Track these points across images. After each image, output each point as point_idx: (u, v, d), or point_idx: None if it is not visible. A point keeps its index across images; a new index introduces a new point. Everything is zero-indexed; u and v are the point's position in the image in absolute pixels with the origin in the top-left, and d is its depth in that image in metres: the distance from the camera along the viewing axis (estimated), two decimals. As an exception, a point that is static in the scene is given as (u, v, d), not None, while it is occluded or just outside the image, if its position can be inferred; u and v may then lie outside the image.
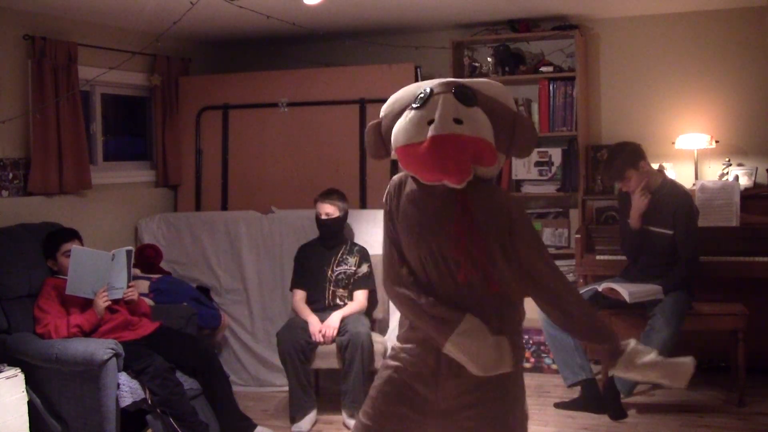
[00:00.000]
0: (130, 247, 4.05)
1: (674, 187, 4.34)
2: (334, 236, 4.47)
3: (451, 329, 2.07)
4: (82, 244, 4.05)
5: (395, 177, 2.25)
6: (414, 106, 2.07)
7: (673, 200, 4.25)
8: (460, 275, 2.10)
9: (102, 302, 3.83)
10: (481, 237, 2.08)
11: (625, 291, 4.10)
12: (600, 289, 4.27)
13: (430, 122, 2.01)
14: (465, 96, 2.05)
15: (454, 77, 5.29)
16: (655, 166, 4.61)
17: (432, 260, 2.13)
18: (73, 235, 4.05)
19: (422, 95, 2.07)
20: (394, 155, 2.15)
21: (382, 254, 2.28)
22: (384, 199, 2.25)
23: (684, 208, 4.23)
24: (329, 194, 4.45)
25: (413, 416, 2.18)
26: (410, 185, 2.18)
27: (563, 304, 2.17)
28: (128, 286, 3.96)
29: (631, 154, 4.24)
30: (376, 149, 2.22)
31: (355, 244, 4.52)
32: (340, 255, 4.44)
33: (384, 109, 2.21)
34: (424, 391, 2.17)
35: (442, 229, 2.10)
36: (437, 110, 2.01)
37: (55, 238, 4.03)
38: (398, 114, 2.13)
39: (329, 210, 4.41)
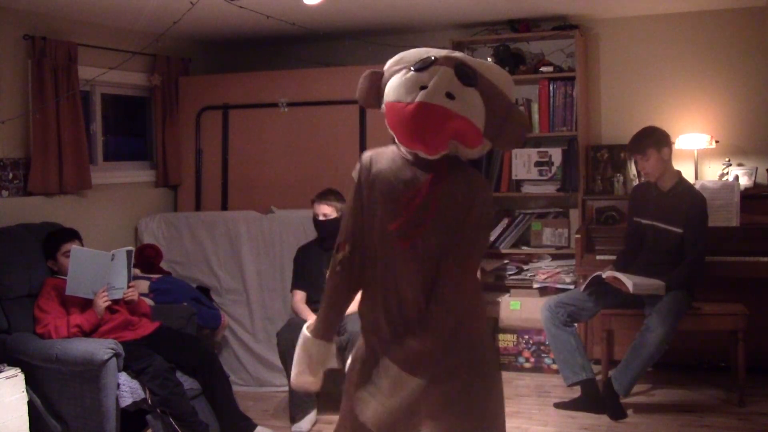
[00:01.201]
0: (130, 248, 4.05)
1: (689, 188, 4.36)
2: (332, 237, 4.46)
3: (316, 331, 2.20)
4: (82, 245, 4.05)
5: (367, 153, 2.23)
6: (414, 68, 2.06)
7: (687, 201, 4.26)
8: (404, 243, 2.07)
9: (102, 302, 3.83)
10: (437, 211, 2.05)
11: (629, 281, 4.11)
12: (604, 276, 4.27)
13: (423, 88, 2.00)
14: (465, 74, 2.04)
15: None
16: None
17: (386, 238, 2.09)
18: (73, 235, 4.05)
19: (425, 60, 2.06)
20: (382, 109, 2.14)
21: (342, 225, 2.23)
22: (354, 173, 2.22)
23: (697, 209, 4.25)
24: (326, 195, 4.45)
25: None
26: (386, 157, 2.17)
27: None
28: (128, 287, 3.96)
29: (660, 137, 4.29)
30: (368, 97, 2.18)
31: (355, 244, 4.51)
32: (339, 255, 4.43)
33: (390, 62, 2.20)
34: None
35: (406, 198, 2.08)
36: (433, 79, 2.01)
37: (55, 238, 4.02)
38: (399, 71, 2.11)
39: (326, 210, 4.41)
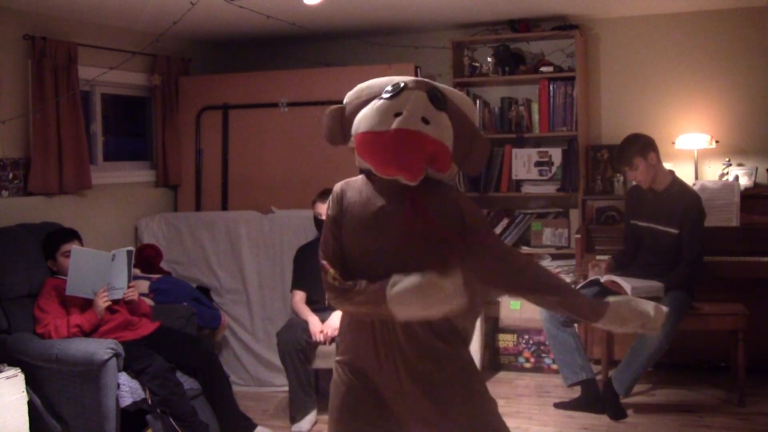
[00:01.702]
0: (130, 248, 4.05)
1: (684, 188, 4.35)
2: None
3: (383, 288, 2.01)
4: (82, 245, 4.05)
5: (337, 185, 2.23)
6: (384, 96, 2.05)
7: (682, 201, 4.26)
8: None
9: (102, 302, 3.83)
10: (429, 235, 2.05)
11: (627, 285, 4.11)
12: (602, 280, 4.27)
13: (397, 115, 1.99)
14: (437, 99, 2.05)
15: (454, 77, 5.32)
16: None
17: (376, 261, 2.08)
18: (72, 235, 4.05)
19: (395, 87, 2.05)
20: (351, 143, 2.12)
21: (324, 250, 2.21)
22: (327, 206, 2.22)
23: (693, 209, 4.24)
24: (327, 194, 4.43)
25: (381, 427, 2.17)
26: (355, 186, 2.17)
27: (534, 282, 2.12)
28: (128, 287, 3.96)
29: (643, 144, 4.27)
30: (334, 134, 2.18)
31: (355, 244, 4.51)
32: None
33: (349, 95, 2.18)
34: (385, 401, 2.16)
35: (388, 227, 2.07)
36: (407, 104, 2.00)
37: (55, 238, 4.02)
38: (365, 102, 2.10)
39: None
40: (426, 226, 2.05)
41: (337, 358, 2.25)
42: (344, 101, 2.18)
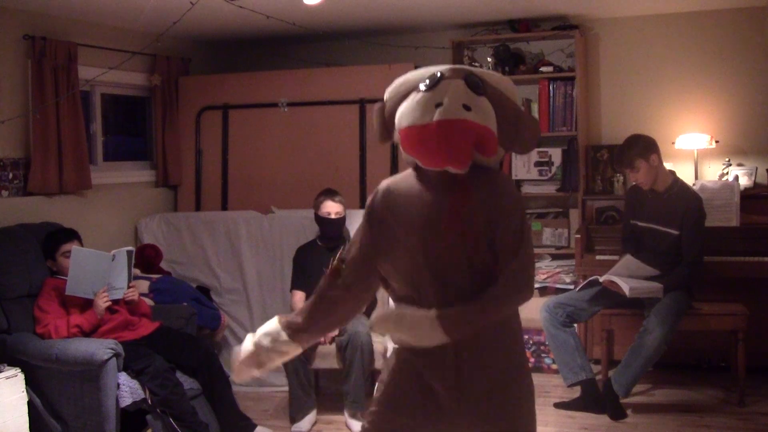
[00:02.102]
0: (130, 248, 4.05)
1: (685, 188, 4.34)
2: (336, 236, 4.47)
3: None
4: (82, 245, 4.05)
5: (383, 182, 2.19)
6: (422, 88, 2.04)
7: (683, 202, 4.25)
8: (458, 265, 2.02)
9: (102, 302, 3.82)
10: (476, 225, 2.02)
11: (626, 285, 4.11)
12: (601, 280, 4.27)
13: (438, 105, 1.98)
14: (475, 84, 2.03)
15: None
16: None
17: (438, 258, 2.04)
18: (72, 235, 4.05)
19: (432, 78, 2.04)
20: (396, 138, 2.11)
21: (348, 254, 2.18)
22: (366, 207, 2.17)
23: (694, 210, 4.24)
24: (334, 193, 4.43)
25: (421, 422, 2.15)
26: (403, 185, 2.12)
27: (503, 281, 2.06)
28: (128, 287, 3.96)
29: (645, 146, 4.26)
30: (381, 133, 2.17)
31: (353, 245, 4.51)
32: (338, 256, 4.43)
33: (389, 91, 2.17)
34: (435, 391, 2.11)
35: (441, 219, 2.04)
36: (447, 94, 1.99)
37: (55, 238, 4.02)
38: (404, 96, 2.09)
39: (338, 209, 4.38)
40: (472, 218, 2.02)
41: (395, 346, 2.21)
42: (384, 98, 2.17)
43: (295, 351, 2.20)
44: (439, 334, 1.97)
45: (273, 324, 2.20)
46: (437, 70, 2.08)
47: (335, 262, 2.17)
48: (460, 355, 2.07)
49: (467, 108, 1.98)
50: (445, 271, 2.05)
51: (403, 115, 2.04)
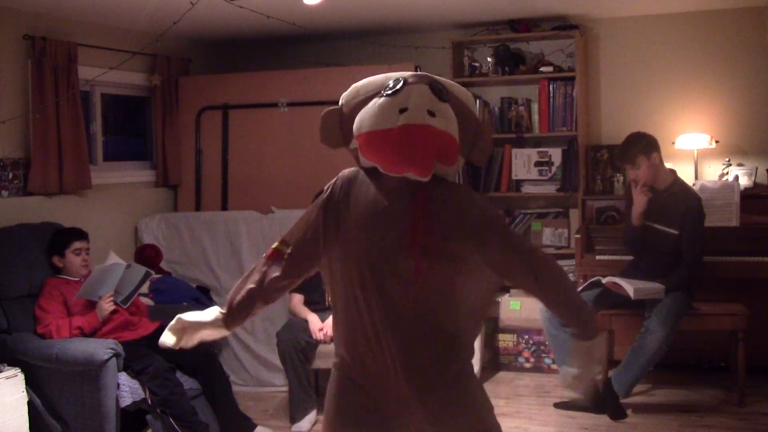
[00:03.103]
0: (150, 270, 4.03)
1: (685, 188, 4.34)
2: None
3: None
4: (89, 245, 4.07)
5: (346, 171, 2.15)
6: (386, 93, 1.99)
7: (683, 201, 4.25)
8: (416, 276, 1.97)
9: (107, 306, 3.83)
10: (441, 234, 1.99)
11: (630, 287, 4.10)
12: (604, 281, 4.27)
13: (402, 110, 1.93)
14: (439, 90, 1.99)
15: (454, 77, 5.31)
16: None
17: (378, 265, 2.00)
18: (85, 236, 4.06)
19: (395, 83, 1.99)
20: (353, 144, 2.07)
21: (294, 225, 2.15)
22: (327, 189, 2.13)
23: (693, 210, 4.24)
24: None
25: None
26: (364, 180, 2.09)
27: (554, 282, 2.09)
28: (130, 301, 3.96)
29: (647, 143, 4.26)
30: (333, 136, 2.12)
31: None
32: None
33: (345, 96, 2.12)
34: (379, 406, 2.10)
35: (396, 226, 1.99)
36: (411, 99, 1.94)
37: (67, 234, 4.04)
38: (363, 102, 2.04)
39: None
40: (434, 226, 1.99)
41: (334, 360, 2.21)
42: (340, 102, 2.12)
43: (221, 334, 2.31)
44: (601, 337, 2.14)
45: (214, 313, 2.32)
46: (400, 75, 2.04)
47: (277, 244, 2.13)
48: (394, 367, 2.05)
49: (431, 114, 1.94)
50: (382, 278, 2.00)
51: (364, 119, 1.99)
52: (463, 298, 2.06)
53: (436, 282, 2.00)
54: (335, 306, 2.14)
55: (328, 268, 2.13)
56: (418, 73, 2.07)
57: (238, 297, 2.21)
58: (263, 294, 2.20)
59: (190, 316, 2.27)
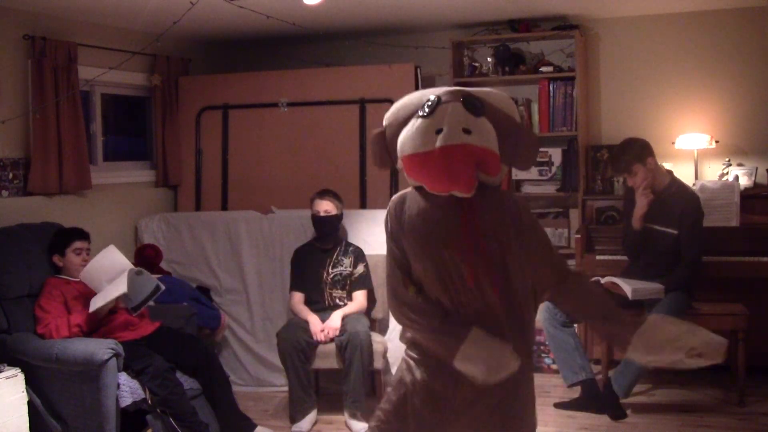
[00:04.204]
0: (162, 286, 4.01)
1: (683, 188, 4.34)
2: (330, 236, 4.46)
3: (458, 342, 2.05)
4: (90, 246, 4.07)
5: (395, 196, 2.23)
6: (421, 114, 2.04)
7: (680, 201, 4.25)
8: (469, 281, 2.09)
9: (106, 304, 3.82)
10: (488, 242, 2.08)
11: (628, 287, 4.11)
12: (603, 282, 4.27)
13: (438, 131, 1.98)
14: (473, 106, 2.03)
15: (454, 77, 5.31)
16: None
17: (439, 272, 2.11)
18: (85, 236, 4.06)
19: (430, 103, 2.04)
20: (399, 164, 2.12)
21: (387, 275, 2.27)
22: (385, 220, 2.23)
23: (692, 210, 4.24)
24: (326, 192, 4.45)
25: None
26: (412, 200, 2.16)
27: (581, 286, 2.22)
28: (139, 310, 3.96)
29: (640, 150, 4.26)
30: (381, 159, 2.19)
31: (350, 245, 4.51)
32: (335, 256, 4.44)
33: (388, 117, 2.18)
34: (442, 403, 2.18)
35: (449, 237, 2.08)
36: (446, 119, 1.99)
37: (68, 234, 4.04)
38: (403, 122, 2.09)
39: (327, 207, 4.40)
40: (482, 235, 2.08)
41: (407, 353, 2.28)
42: (384, 123, 2.18)
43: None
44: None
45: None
46: (434, 93, 2.08)
47: (411, 289, 2.21)
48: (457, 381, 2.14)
49: (467, 131, 1.98)
50: (453, 286, 2.11)
51: (405, 142, 2.05)
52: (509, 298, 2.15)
53: (487, 285, 2.11)
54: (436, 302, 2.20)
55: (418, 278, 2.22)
56: (452, 89, 2.11)
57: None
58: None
59: None
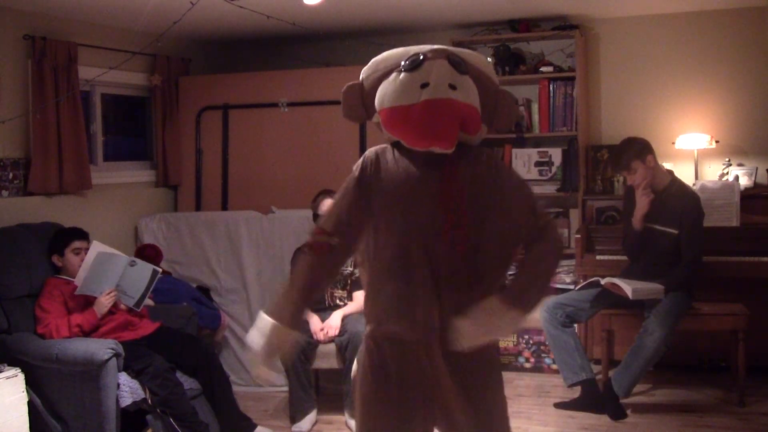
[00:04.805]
0: (158, 268, 4.02)
1: (683, 188, 4.34)
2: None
3: (286, 311, 2.09)
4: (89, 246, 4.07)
5: (372, 149, 2.16)
6: (405, 68, 2.02)
7: (681, 201, 4.25)
8: (444, 240, 2.02)
9: (106, 302, 3.82)
10: (468, 200, 2.04)
11: (628, 287, 4.11)
12: (603, 282, 4.27)
13: (423, 86, 1.97)
14: (458, 63, 2.03)
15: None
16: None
17: (409, 230, 2.04)
18: (85, 236, 4.06)
19: (415, 58, 2.03)
20: (376, 118, 2.09)
21: (332, 214, 2.15)
22: (356, 168, 2.14)
23: (692, 209, 4.24)
24: (332, 192, 4.43)
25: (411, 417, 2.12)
26: (390, 155, 2.11)
27: (538, 254, 2.08)
28: (141, 304, 3.96)
29: (640, 148, 4.26)
30: (356, 112, 2.14)
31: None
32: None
33: (366, 70, 2.15)
34: (420, 393, 2.10)
35: (428, 194, 2.04)
36: (432, 74, 1.98)
37: (67, 234, 4.04)
38: (383, 76, 2.07)
39: None
40: (462, 194, 2.03)
41: (367, 331, 2.19)
42: (361, 77, 2.15)
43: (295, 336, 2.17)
44: (519, 317, 2.00)
45: (267, 323, 2.11)
46: (419, 50, 2.06)
47: (322, 237, 2.11)
48: (432, 338, 2.06)
49: (453, 87, 1.98)
50: (427, 245, 2.03)
51: (386, 95, 2.03)
52: (496, 247, 2.09)
53: (464, 244, 2.04)
54: (375, 273, 2.13)
55: (366, 240, 2.13)
56: (435, 46, 2.09)
57: (294, 301, 2.16)
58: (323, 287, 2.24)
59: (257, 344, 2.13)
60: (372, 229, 2.11)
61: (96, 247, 3.93)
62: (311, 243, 2.13)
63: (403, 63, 2.04)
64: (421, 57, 2.02)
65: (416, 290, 2.05)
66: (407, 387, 2.09)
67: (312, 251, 2.13)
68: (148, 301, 4.38)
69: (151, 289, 3.99)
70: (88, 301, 3.87)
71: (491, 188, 2.06)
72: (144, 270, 3.98)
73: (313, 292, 2.18)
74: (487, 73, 2.12)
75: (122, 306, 3.95)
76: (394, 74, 2.04)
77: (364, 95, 2.12)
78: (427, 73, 1.99)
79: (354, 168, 2.16)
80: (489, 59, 5.33)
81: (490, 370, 2.17)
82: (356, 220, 2.12)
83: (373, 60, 2.15)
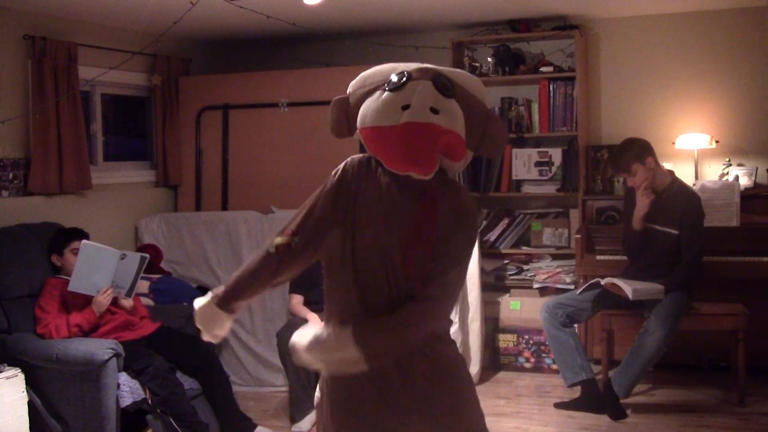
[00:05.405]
0: (146, 255, 4.04)
1: (684, 188, 4.34)
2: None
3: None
4: None
5: (356, 156, 2.09)
6: (389, 87, 1.95)
7: (681, 201, 4.25)
8: (406, 270, 1.95)
9: (104, 300, 3.82)
10: (436, 233, 1.95)
11: (628, 288, 4.10)
12: (603, 283, 4.27)
13: (404, 107, 1.89)
14: (444, 86, 1.94)
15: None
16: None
17: (373, 252, 1.97)
18: (83, 236, 4.07)
19: (399, 78, 1.95)
20: (357, 136, 2.03)
21: (300, 215, 2.14)
22: (337, 173, 2.06)
23: (693, 210, 4.24)
24: None
25: None
26: (374, 170, 2.03)
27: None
28: (131, 294, 3.96)
29: (640, 149, 4.26)
30: (340, 127, 2.08)
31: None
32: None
33: (353, 84, 2.08)
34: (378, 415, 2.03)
35: (400, 224, 1.96)
36: (414, 96, 1.90)
37: (66, 234, 4.05)
38: (369, 92, 2.00)
39: None
40: (434, 225, 1.95)
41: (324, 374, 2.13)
42: (348, 91, 2.08)
43: (227, 320, 2.26)
44: (351, 348, 1.89)
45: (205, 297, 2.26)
46: (405, 68, 1.98)
47: (284, 238, 2.14)
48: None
49: (435, 111, 1.89)
50: (388, 270, 1.97)
51: (367, 114, 1.96)
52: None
53: (417, 277, 1.97)
54: (334, 284, 2.12)
55: (336, 246, 2.08)
56: (423, 66, 2.01)
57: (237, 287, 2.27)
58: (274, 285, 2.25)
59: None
60: (338, 239, 2.05)
61: (86, 247, 3.91)
62: (277, 244, 2.17)
63: (388, 81, 1.97)
64: (406, 76, 1.95)
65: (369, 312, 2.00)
66: (366, 415, 2.03)
67: (277, 251, 2.18)
68: (148, 301, 4.39)
69: (140, 275, 3.99)
70: (87, 301, 3.87)
71: (453, 233, 1.96)
72: (133, 259, 3.99)
73: (254, 284, 2.24)
74: (477, 96, 2.00)
75: (121, 302, 3.95)
76: (378, 92, 1.97)
77: (349, 111, 2.05)
78: (409, 94, 1.91)
79: (333, 173, 2.10)
80: (489, 59, 5.34)
81: (454, 390, 2.06)
82: (323, 224, 2.08)
83: (361, 74, 2.08)
